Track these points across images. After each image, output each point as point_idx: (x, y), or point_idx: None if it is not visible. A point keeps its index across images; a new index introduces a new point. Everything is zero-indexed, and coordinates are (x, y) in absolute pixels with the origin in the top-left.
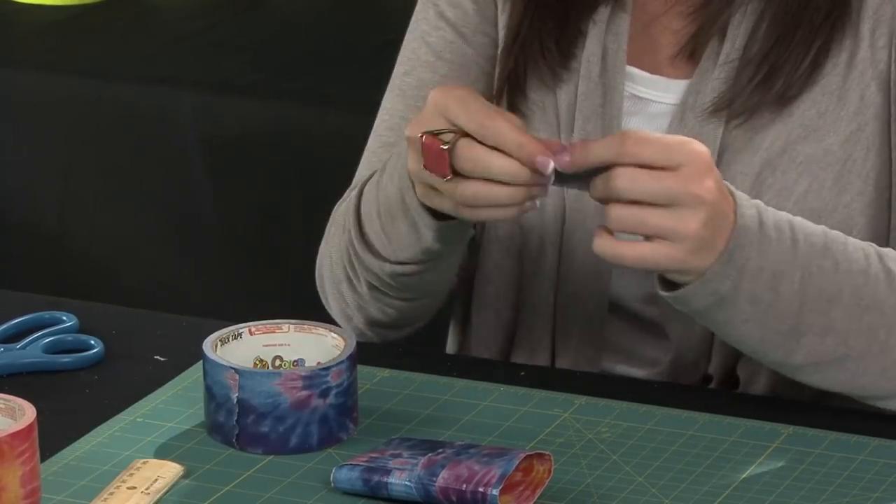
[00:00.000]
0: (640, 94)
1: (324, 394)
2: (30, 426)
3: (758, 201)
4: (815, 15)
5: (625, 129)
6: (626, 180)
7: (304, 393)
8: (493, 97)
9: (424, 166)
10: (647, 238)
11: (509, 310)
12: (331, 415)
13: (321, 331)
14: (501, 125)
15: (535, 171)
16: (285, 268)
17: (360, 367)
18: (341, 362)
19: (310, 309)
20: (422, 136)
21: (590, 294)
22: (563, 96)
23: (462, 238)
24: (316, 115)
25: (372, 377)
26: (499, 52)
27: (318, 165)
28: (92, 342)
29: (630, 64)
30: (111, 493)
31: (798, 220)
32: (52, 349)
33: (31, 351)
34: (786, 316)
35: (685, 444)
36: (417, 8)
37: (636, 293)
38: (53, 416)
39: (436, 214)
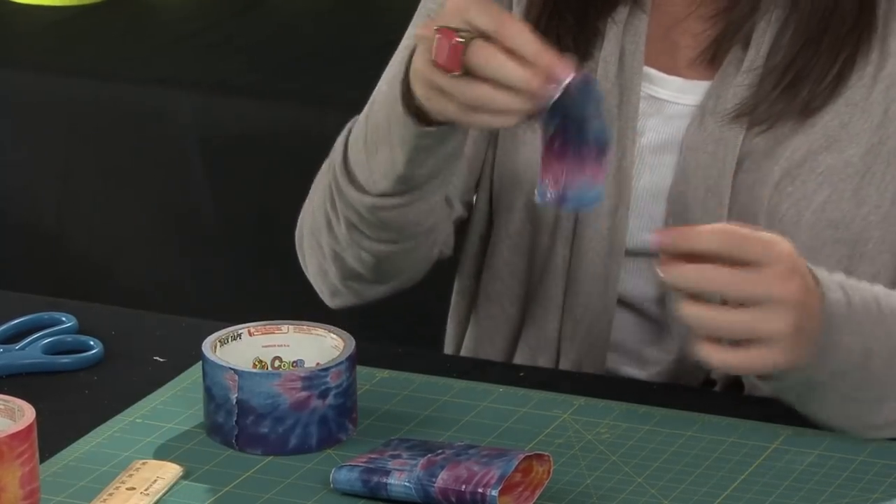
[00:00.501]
0: (657, 94)
1: (323, 394)
2: (29, 427)
3: (842, 280)
4: (840, 25)
5: (727, 226)
6: (718, 281)
7: (304, 394)
8: None
9: (434, 61)
10: (737, 342)
11: (516, 307)
12: (330, 415)
13: (320, 331)
14: (522, 29)
15: (548, 80)
16: (284, 268)
17: (359, 368)
18: (340, 363)
19: (309, 310)
20: (437, 30)
21: (598, 293)
22: None
23: (439, 164)
24: (315, 116)
25: (371, 378)
26: None
27: (316, 166)
28: (91, 343)
29: (648, 65)
30: (110, 494)
31: (880, 290)
32: (52, 350)
33: (30, 352)
34: (873, 387)
35: (684, 444)
36: None
37: (644, 294)
38: (53, 416)
39: (419, 121)
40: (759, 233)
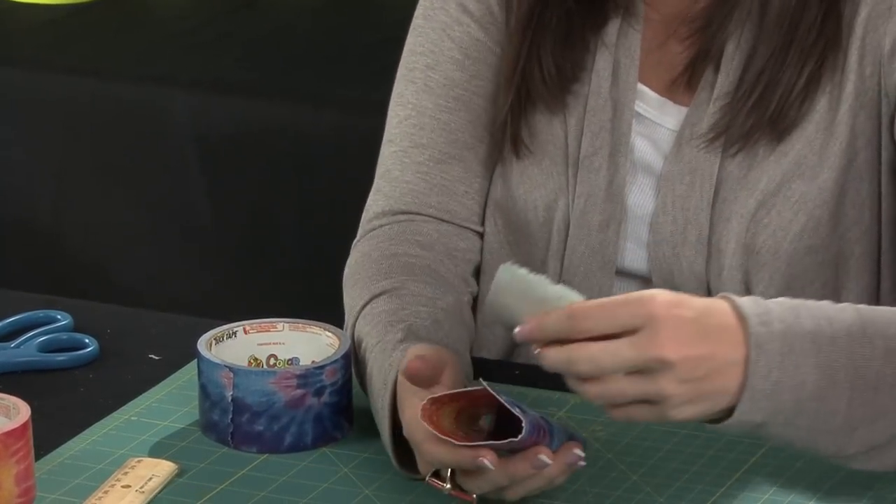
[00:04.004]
0: (646, 114)
1: (318, 392)
2: (24, 425)
3: (789, 304)
4: (806, 36)
5: (573, 304)
6: (586, 364)
7: (299, 392)
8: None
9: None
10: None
11: None
12: (325, 413)
13: (315, 329)
14: (447, 457)
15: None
16: (280, 266)
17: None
18: (336, 361)
19: (304, 307)
20: (426, 480)
21: None
22: (571, 111)
23: None
24: (310, 114)
25: None
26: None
27: (312, 163)
28: (86, 341)
29: (641, 81)
30: (105, 492)
31: (832, 310)
32: (47, 348)
33: (25, 350)
34: (835, 416)
35: (680, 442)
36: None
37: None
38: (48, 414)
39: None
40: (625, 297)
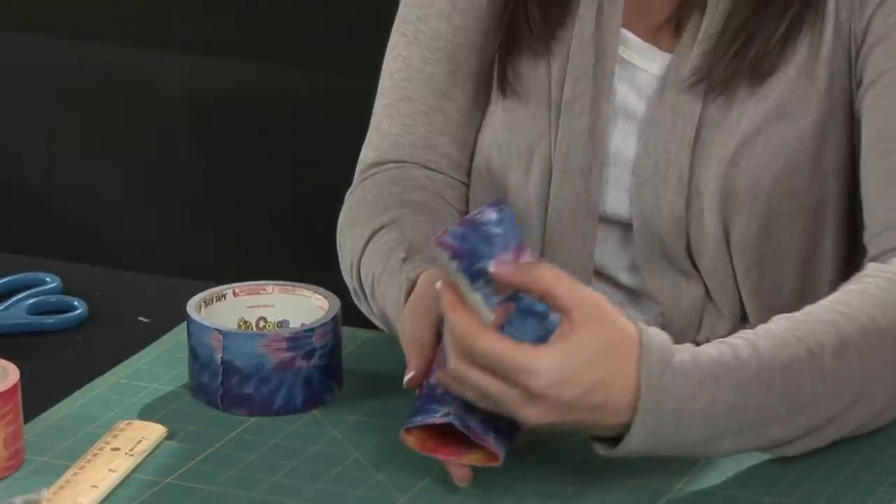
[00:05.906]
0: (630, 59)
1: (308, 355)
2: (13, 387)
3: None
4: None
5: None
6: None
7: (289, 354)
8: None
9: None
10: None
11: None
12: (315, 376)
13: (305, 292)
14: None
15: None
16: (270, 229)
17: (344, 329)
18: (325, 324)
19: (294, 270)
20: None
21: (574, 254)
22: (555, 56)
23: None
24: (302, 76)
25: (356, 338)
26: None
27: (304, 126)
28: (75, 303)
29: (625, 27)
30: (95, 455)
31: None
32: (36, 310)
33: (14, 312)
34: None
35: None
36: None
37: (616, 262)
38: (37, 377)
39: None
40: (519, 357)
